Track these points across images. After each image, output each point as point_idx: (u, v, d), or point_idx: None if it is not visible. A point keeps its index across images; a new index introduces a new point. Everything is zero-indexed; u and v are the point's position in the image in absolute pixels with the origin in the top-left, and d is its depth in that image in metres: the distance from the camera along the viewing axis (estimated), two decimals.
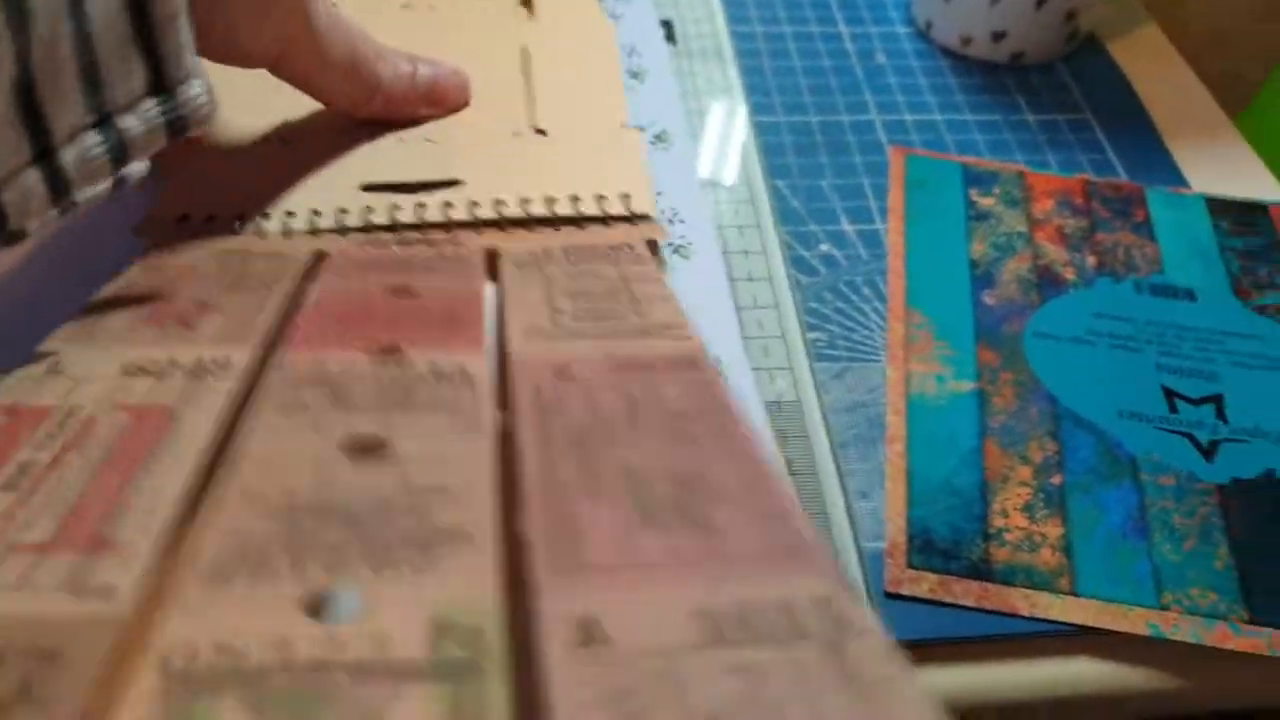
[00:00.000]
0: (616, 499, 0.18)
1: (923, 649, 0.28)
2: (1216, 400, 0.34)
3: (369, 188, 0.32)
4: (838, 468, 0.31)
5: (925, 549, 0.30)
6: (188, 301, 0.26)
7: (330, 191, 0.32)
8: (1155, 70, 0.47)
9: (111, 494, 0.19)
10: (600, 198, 0.33)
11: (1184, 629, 0.28)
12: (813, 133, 0.42)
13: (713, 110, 0.42)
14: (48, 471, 0.19)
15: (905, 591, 0.29)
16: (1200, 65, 0.48)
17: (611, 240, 0.31)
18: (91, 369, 0.22)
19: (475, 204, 0.32)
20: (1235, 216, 0.40)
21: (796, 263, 0.37)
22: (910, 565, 0.29)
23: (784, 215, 0.39)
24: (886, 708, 0.14)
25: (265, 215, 0.31)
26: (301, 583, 0.16)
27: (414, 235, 0.31)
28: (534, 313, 0.25)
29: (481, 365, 0.23)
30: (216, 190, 0.32)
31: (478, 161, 0.33)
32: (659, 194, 0.36)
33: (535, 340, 0.24)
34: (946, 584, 0.29)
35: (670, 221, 0.36)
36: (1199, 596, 0.29)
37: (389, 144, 0.34)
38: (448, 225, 0.31)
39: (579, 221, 0.32)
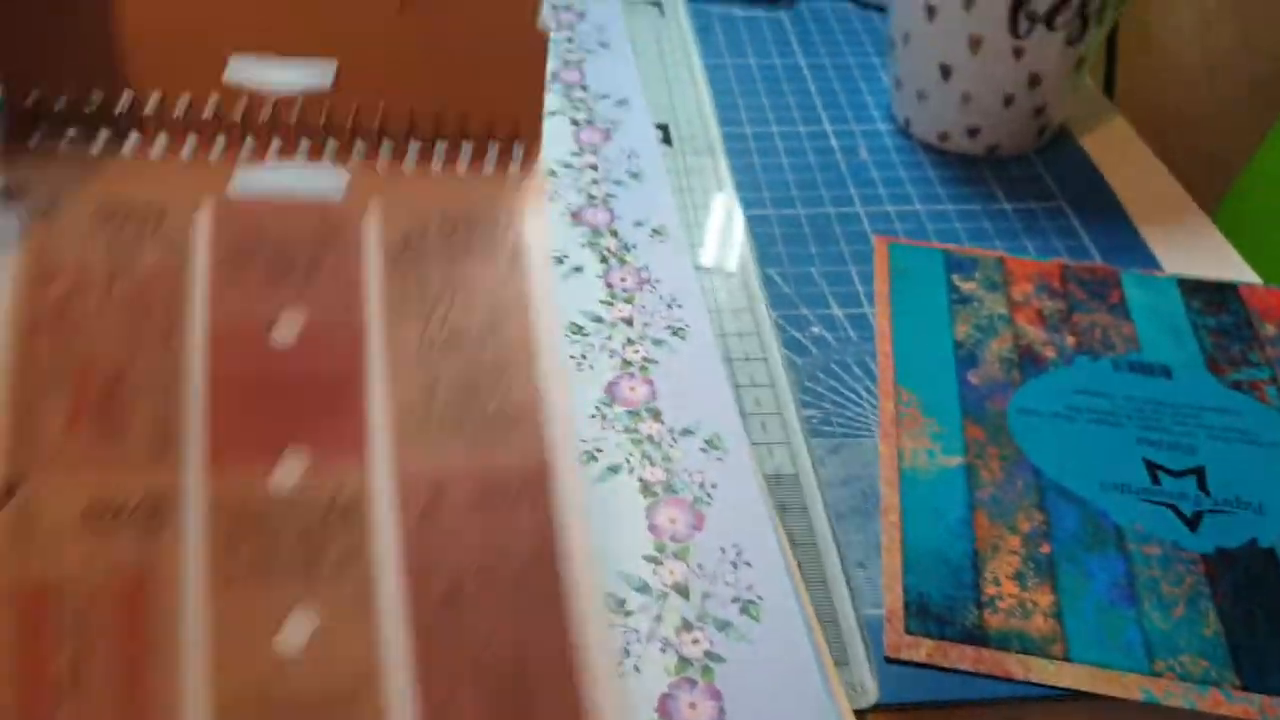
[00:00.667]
0: (471, 695, 0.23)
1: (922, 712, 0.29)
2: (1198, 472, 0.35)
3: (236, 71, 0.30)
4: (835, 539, 0.32)
5: (921, 615, 0.31)
6: (103, 378, 0.26)
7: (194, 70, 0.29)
8: (1124, 159, 0.50)
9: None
10: (489, 130, 0.31)
11: (1177, 695, 0.29)
12: (800, 224, 0.44)
13: (707, 205, 0.44)
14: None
15: (904, 656, 0.30)
16: (1179, 151, 0.50)
17: (484, 200, 0.31)
18: (60, 519, 0.24)
19: (358, 113, 0.30)
20: (1206, 296, 0.42)
21: (790, 344, 0.39)
22: (908, 631, 0.30)
23: (776, 300, 0.40)
24: None
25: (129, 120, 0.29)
26: None
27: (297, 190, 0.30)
28: (408, 382, 0.28)
29: (371, 487, 0.26)
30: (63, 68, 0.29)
31: (359, 32, 0.30)
32: (658, 281, 0.38)
33: (410, 442, 0.27)
34: (943, 649, 0.30)
35: (669, 307, 0.37)
36: (1190, 663, 0.30)
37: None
38: (326, 128, 0.30)
39: (457, 146, 0.31)
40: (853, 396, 0.37)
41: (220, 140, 0.30)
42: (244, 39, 0.30)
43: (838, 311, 0.40)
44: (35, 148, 0.30)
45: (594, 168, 0.44)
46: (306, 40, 0.30)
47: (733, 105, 0.51)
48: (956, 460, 0.35)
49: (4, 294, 0.26)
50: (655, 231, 0.41)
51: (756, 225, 0.44)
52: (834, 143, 0.49)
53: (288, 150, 0.30)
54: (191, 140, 0.30)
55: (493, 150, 0.33)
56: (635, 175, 0.43)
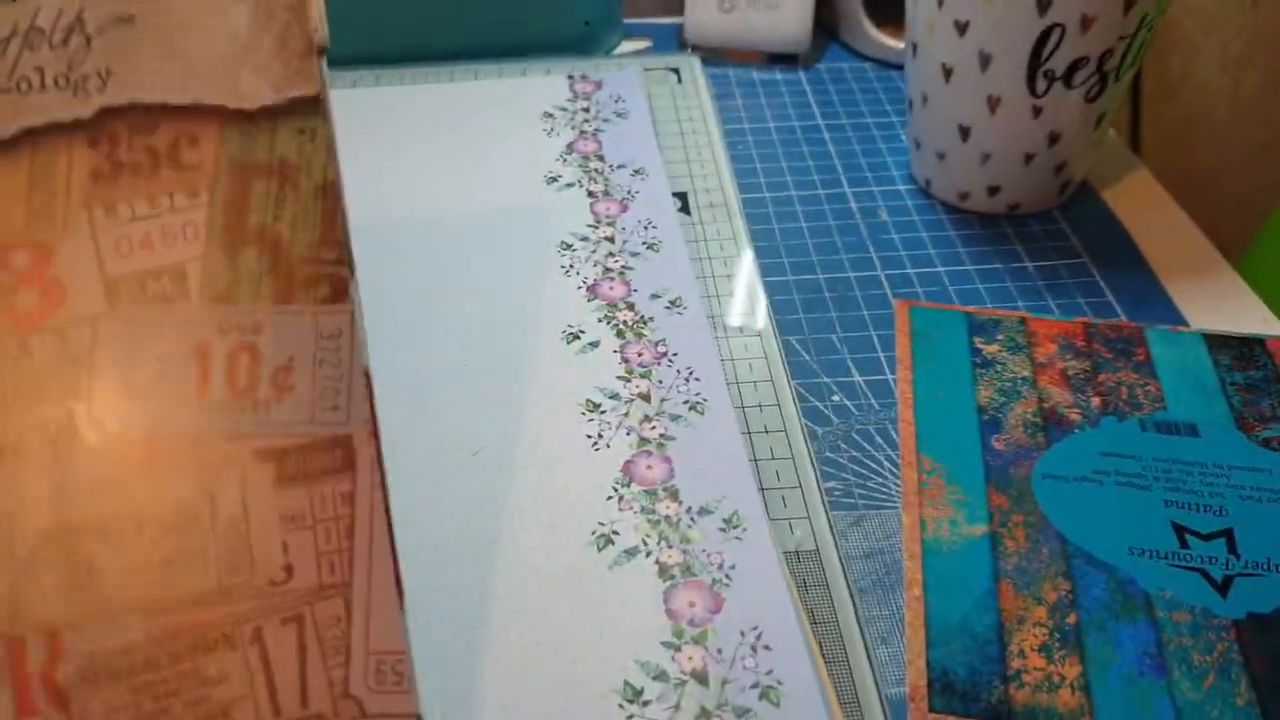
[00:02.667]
0: None
1: None
2: (1227, 534, 0.34)
3: None
4: (857, 615, 0.32)
5: (945, 692, 0.30)
6: None
7: None
8: (1148, 213, 0.49)
9: None
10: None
11: None
12: (820, 289, 0.45)
13: (726, 273, 0.45)
14: None
15: None
16: (1206, 200, 0.50)
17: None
18: None
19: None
20: (1234, 351, 0.41)
21: (810, 414, 0.39)
22: (932, 709, 0.30)
23: (796, 369, 0.40)
24: None
25: None
26: None
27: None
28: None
29: None
30: None
31: None
32: (675, 354, 0.39)
33: None
34: None
35: (686, 380, 0.38)
36: None
37: None
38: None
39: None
40: (874, 466, 0.37)
41: None
42: None
43: (859, 378, 0.40)
44: None
45: (610, 240, 0.44)
46: None
47: (751, 170, 0.52)
48: (980, 529, 0.35)
49: None
50: (673, 303, 0.41)
51: (776, 292, 0.44)
52: (853, 204, 0.50)
53: None
54: None
55: None
56: (652, 246, 0.44)
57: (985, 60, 0.43)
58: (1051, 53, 0.42)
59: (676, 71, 0.58)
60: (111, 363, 0.24)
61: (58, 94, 0.25)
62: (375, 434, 0.24)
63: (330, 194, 0.25)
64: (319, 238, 0.24)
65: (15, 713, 0.22)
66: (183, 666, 0.23)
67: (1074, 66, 0.43)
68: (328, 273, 0.24)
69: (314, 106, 0.25)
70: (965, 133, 0.47)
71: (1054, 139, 0.46)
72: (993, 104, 0.45)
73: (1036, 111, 0.45)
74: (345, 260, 0.24)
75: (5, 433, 0.23)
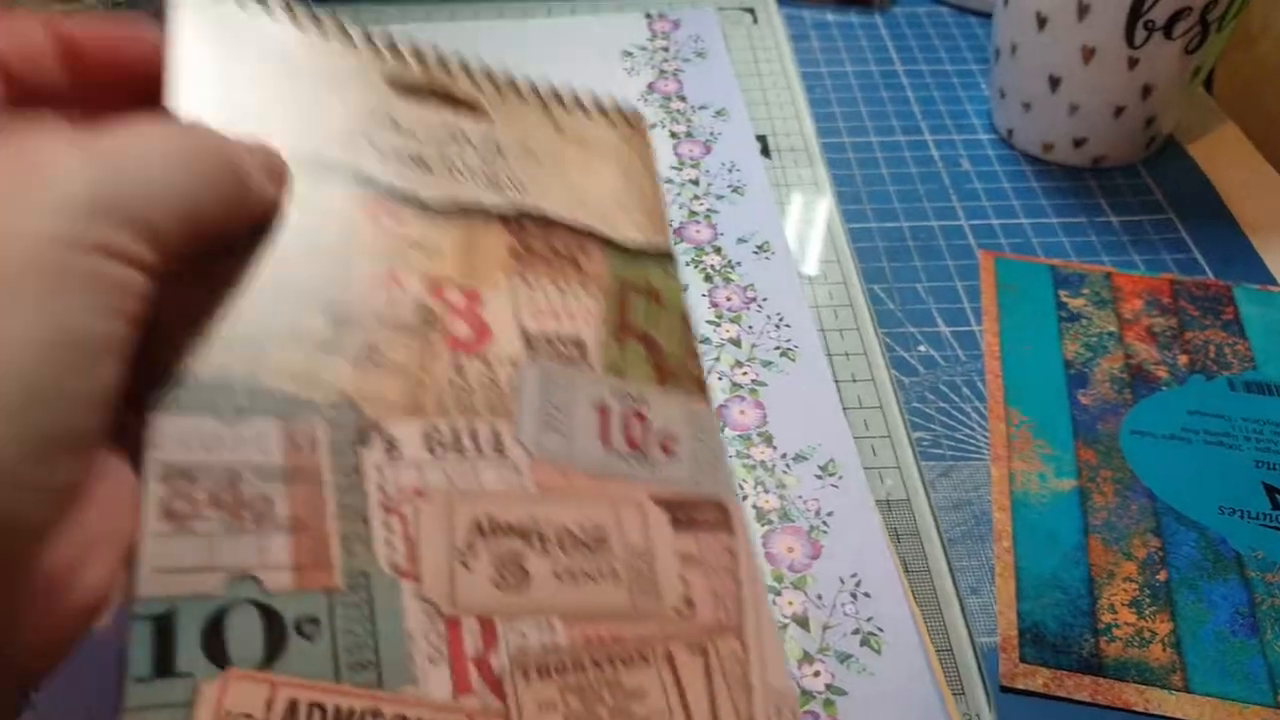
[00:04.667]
0: None
1: None
2: None
3: (399, 88, 0.30)
4: (949, 564, 0.32)
5: (1037, 643, 0.31)
6: None
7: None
8: (1236, 168, 0.49)
9: None
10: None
11: None
12: (904, 237, 0.44)
13: (808, 218, 0.44)
14: None
15: (1020, 685, 0.30)
16: (1278, 152, 0.49)
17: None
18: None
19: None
20: None
21: (897, 364, 0.39)
22: (1023, 660, 0.30)
23: (882, 318, 0.40)
24: None
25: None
26: None
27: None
28: None
29: None
30: None
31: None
32: (765, 299, 0.38)
33: None
34: (1059, 679, 0.30)
35: (776, 326, 0.38)
36: None
37: None
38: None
39: None
40: (962, 418, 0.37)
41: None
42: None
43: (944, 329, 0.40)
44: None
45: (695, 182, 0.44)
46: None
47: (830, 115, 0.51)
48: (1069, 484, 0.35)
49: None
50: (760, 248, 0.41)
51: (860, 239, 0.44)
52: (935, 153, 0.49)
53: None
54: None
55: None
56: (737, 189, 0.44)
57: (1083, 9, 0.43)
58: (1154, 2, 0.41)
59: (751, 11, 0.57)
60: (529, 396, 0.28)
61: (481, 185, 0.31)
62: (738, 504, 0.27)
63: (689, 321, 0.30)
64: (684, 350, 0.30)
65: (451, 690, 0.24)
66: (605, 674, 0.24)
67: (1176, 16, 0.42)
68: (694, 375, 0.29)
69: (669, 256, 0.31)
70: (1055, 83, 0.46)
71: (1147, 91, 0.45)
72: (1087, 54, 0.44)
73: (1132, 63, 0.44)
74: (702, 370, 0.29)
75: (440, 430, 0.27)
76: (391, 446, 0.26)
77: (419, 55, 0.32)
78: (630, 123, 0.35)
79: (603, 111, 0.34)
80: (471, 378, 0.28)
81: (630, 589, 0.26)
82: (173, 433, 0.25)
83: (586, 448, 0.28)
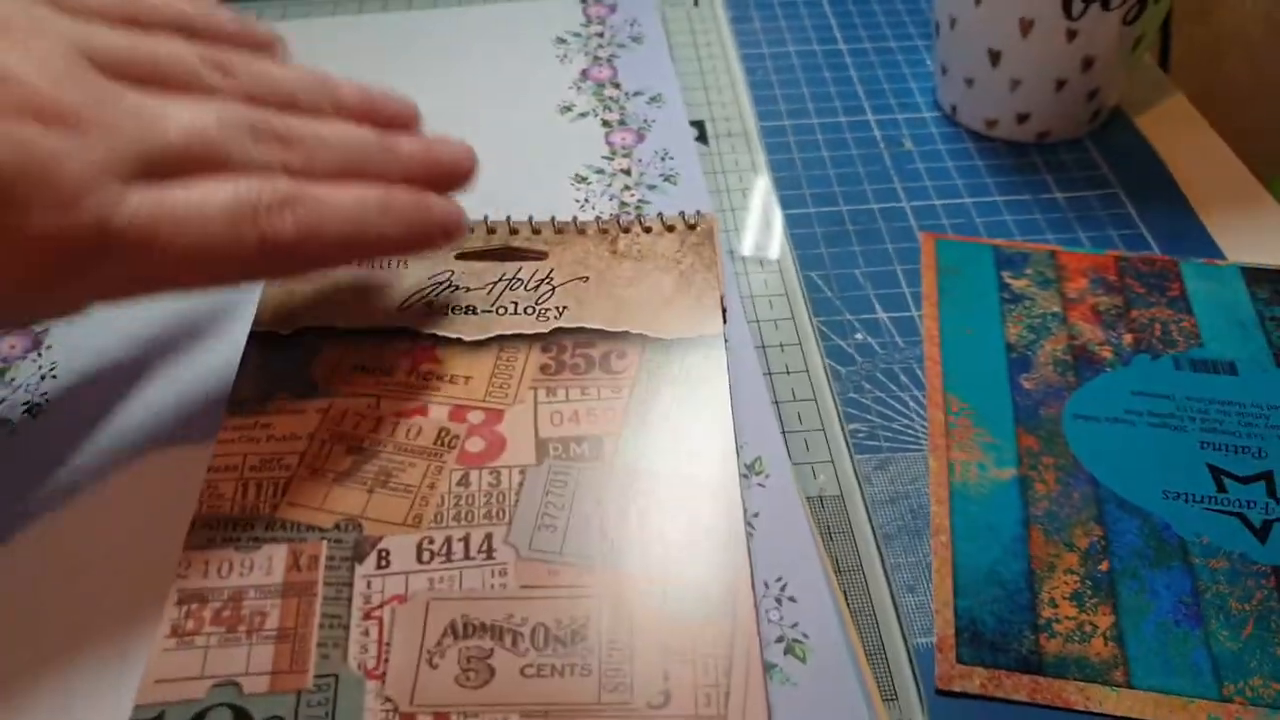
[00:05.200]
0: None
1: None
2: (1266, 477, 0.33)
3: (462, 256, 0.36)
4: (883, 563, 0.31)
5: (974, 642, 0.30)
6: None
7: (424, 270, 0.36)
8: (1184, 140, 0.47)
9: None
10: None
11: None
12: (843, 221, 0.43)
13: (745, 206, 0.43)
14: None
15: (956, 688, 0.29)
16: (1240, 125, 0.48)
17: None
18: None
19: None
20: (1273, 284, 0.40)
21: (833, 353, 0.37)
22: (960, 660, 0.29)
23: (817, 305, 0.39)
24: None
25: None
26: None
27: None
28: None
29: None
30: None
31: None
32: None
33: None
34: (997, 679, 0.29)
35: None
36: (1261, 687, 0.28)
37: None
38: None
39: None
40: (899, 407, 0.36)
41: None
42: None
43: (883, 315, 0.39)
44: None
45: (626, 172, 0.42)
46: None
47: (771, 97, 0.50)
48: (1010, 473, 0.34)
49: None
50: None
51: (796, 225, 0.43)
52: (877, 133, 0.48)
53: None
54: None
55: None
56: (670, 178, 0.42)
57: None
58: None
59: None
60: (529, 498, 0.30)
61: (525, 318, 0.35)
62: (753, 593, 0.29)
63: (726, 399, 0.33)
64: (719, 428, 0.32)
65: None
66: None
67: None
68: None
69: (716, 339, 0.35)
70: (995, 57, 0.44)
71: (1088, 64, 0.44)
72: (1025, 27, 0.43)
73: (1071, 35, 0.42)
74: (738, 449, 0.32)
75: (434, 539, 0.29)
76: (383, 558, 0.28)
77: (490, 228, 0.38)
78: (690, 225, 0.38)
79: (668, 226, 0.38)
80: (475, 486, 0.30)
81: (600, 683, 0.26)
82: (198, 564, 0.28)
83: (583, 541, 0.29)
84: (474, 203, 0.33)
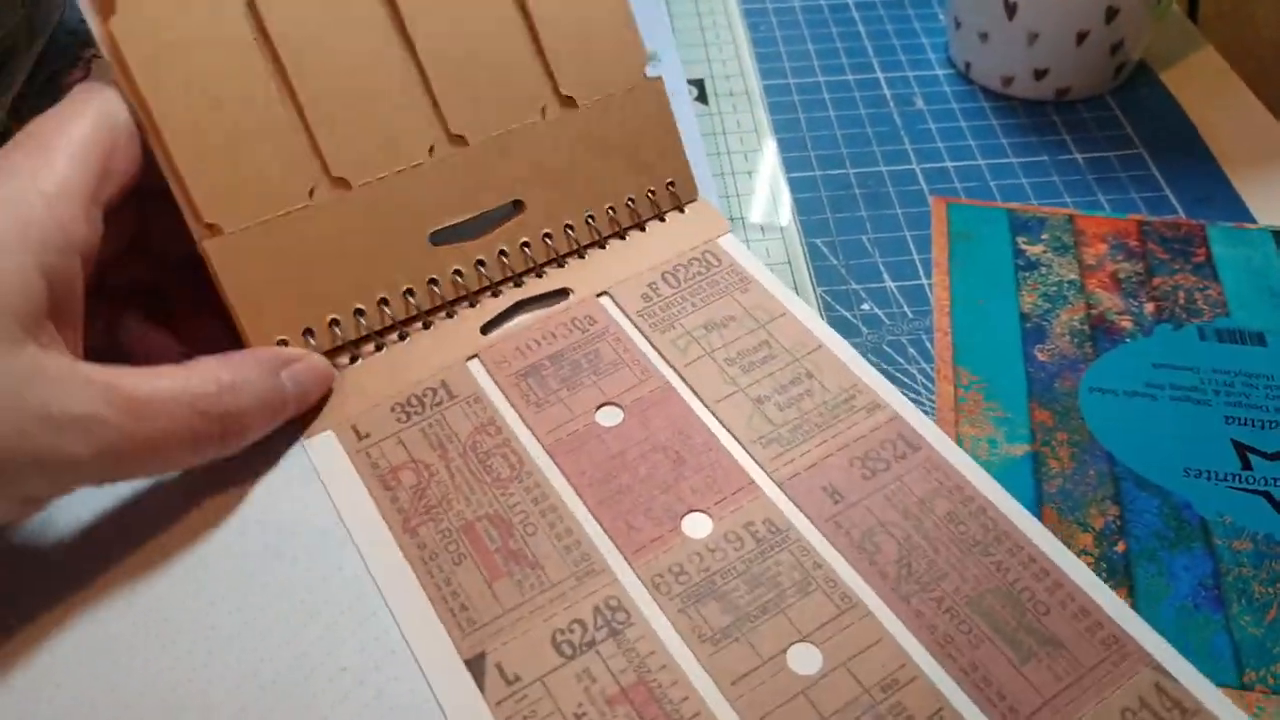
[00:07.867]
0: (982, 635, 0.26)
1: None
2: None
3: (437, 237, 0.33)
4: None
5: None
6: (491, 533, 0.29)
7: (407, 257, 0.32)
8: (1213, 96, 0.45)
9: None
10: (651, 195, 0.35)
11: (1269, 711, 0.26)
12: (850, 185, 0.41)
13: (745, 169, 0.41)
14: None
15: None
16: (1270, 78, 0.46)
17: (686, 249, 0.35)
18: (532, 666, 0.26)
19: (548, 235, 0.34)
20: None
21: (838, 324, 0.36)
22: None
23: (822, 274, 0.37)
24: None
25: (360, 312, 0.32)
26: None
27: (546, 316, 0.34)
28: (736, 408, 0.31)
29: (776, 508, 0.29)
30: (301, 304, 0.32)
31: (526, 167, 0.34)
32: None
33: (774, 456, 0.30)
34: None
35: None
36: None
37: (436, 172, 0.33)
38: (534, 269, 0.34)
39: (641, 225, 0.36)
40: (908, 381, 0.34)
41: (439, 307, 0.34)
42: (440, 213, 0.33)
43: (891, 284, 0.37)
44: None
45: None
46: (490, 194, 0.34)
47: (775, 55, 0.48)
48: (1021, 449, 0.32)
49: (372, 517, 0.29)
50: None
51: (801, 189, 0.41)
52: (886, 91, 0.46)
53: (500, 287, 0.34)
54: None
55: (665, 206, 0.36)
56: None
57: None
58: None
59: None
60: None
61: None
62: None
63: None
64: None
65: None
66: None
67: None
68: None
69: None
70: (1011, 9, 0.42)
71: (1111, 14, 0.41)
72: None
73: None
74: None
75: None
76: None
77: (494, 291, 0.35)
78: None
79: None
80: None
81: None
82: None
83: None
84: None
